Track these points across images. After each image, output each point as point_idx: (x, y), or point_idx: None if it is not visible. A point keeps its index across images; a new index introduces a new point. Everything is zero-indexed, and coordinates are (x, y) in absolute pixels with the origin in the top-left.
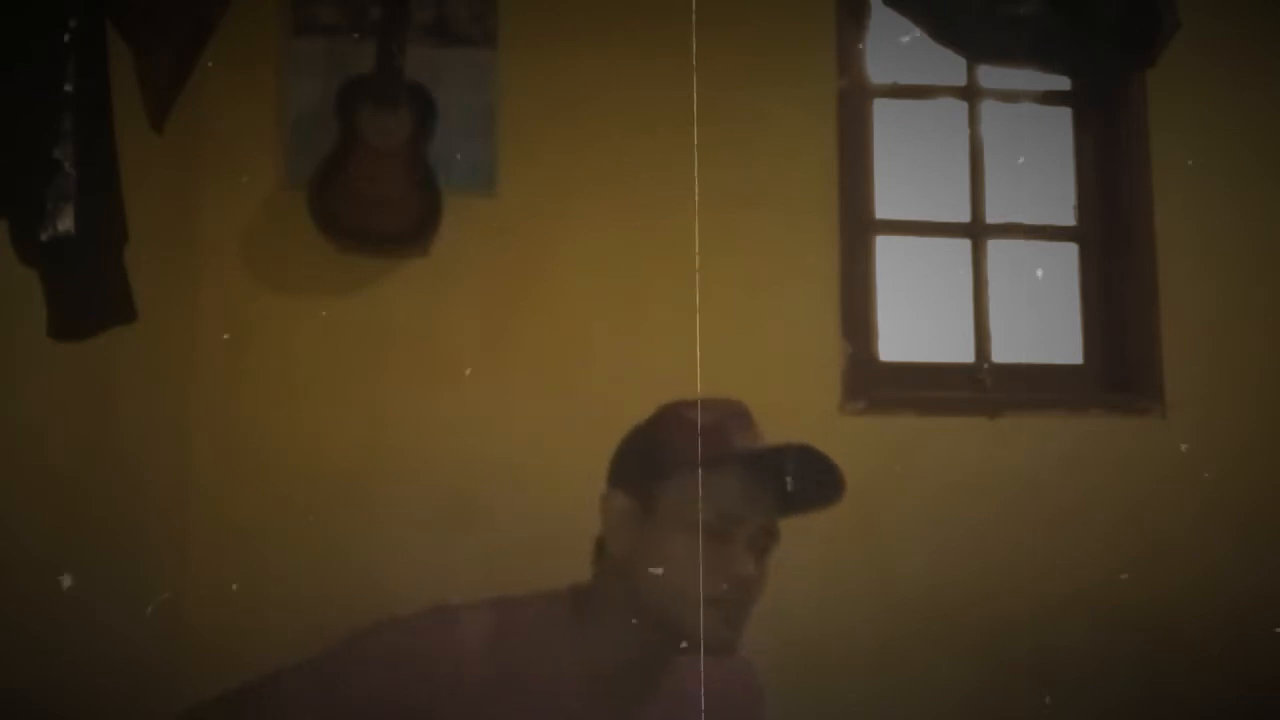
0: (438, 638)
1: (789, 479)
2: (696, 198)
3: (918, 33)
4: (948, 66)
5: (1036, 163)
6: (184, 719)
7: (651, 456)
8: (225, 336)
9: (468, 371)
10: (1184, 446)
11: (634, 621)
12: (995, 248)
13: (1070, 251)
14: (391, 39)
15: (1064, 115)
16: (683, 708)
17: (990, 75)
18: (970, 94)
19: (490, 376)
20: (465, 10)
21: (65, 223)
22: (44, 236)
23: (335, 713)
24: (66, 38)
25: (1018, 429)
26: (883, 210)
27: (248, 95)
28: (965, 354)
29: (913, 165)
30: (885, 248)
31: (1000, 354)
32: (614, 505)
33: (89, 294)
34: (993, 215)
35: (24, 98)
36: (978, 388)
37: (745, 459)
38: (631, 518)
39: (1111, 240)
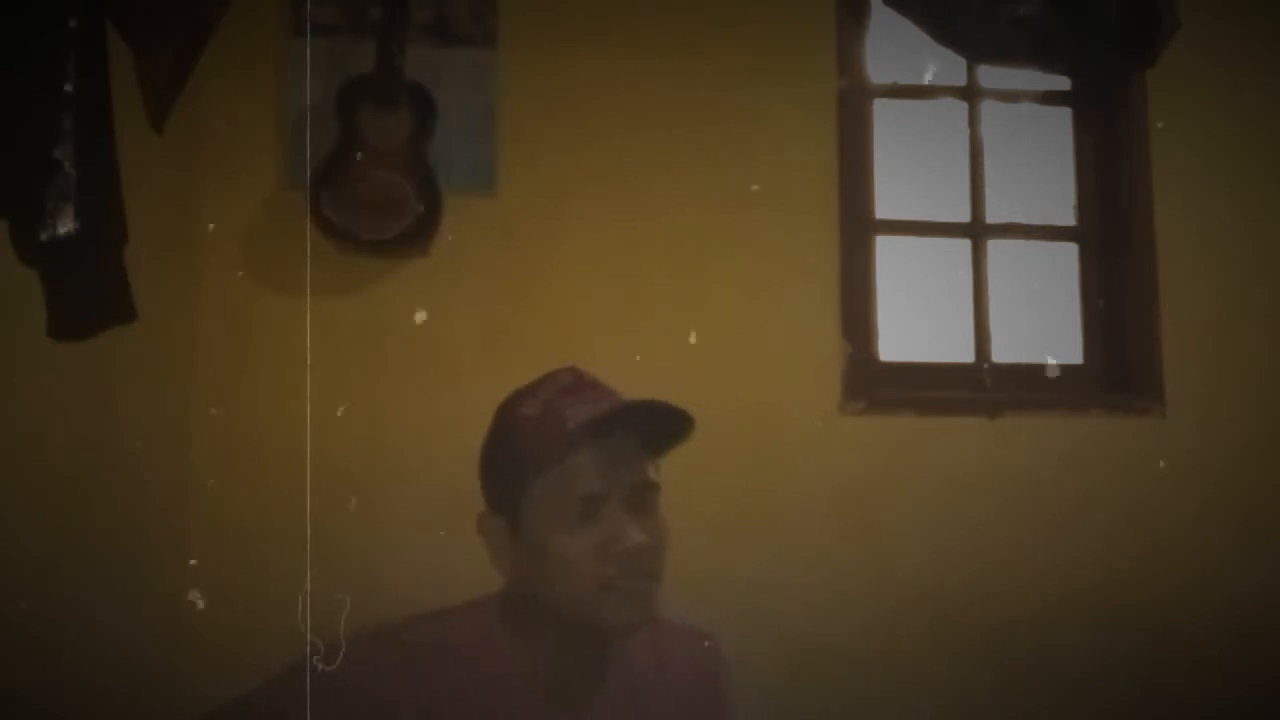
0: (380, 659)
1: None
2: None
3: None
4: (948, 66)
5: (1036, 163)
6: None
7: (502, 470)
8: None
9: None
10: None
11: (555, 623)
12: (995, 248)
13: (1070, 251)
14: (391, 39)
15: (1064, 115)
16: (638, 692)
17: (990, 75)
18: (970, 94)
19: (490, 376)
20: (465, 10)
21: (65, 223)
22: (44, 236)
23: None
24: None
25: (1018, 429)
26: (883, 210)
27: (248, 95)
28: (965, 354)
29: (913, 165)
30: (885, 248)
31: (1000, 354)
32: (487, 527)
33: (89, 294)
34: (993, 215)
35: (24, 98)
36: (978, 388)
37: (579, 435)
38: (504, 535)
39: (1111, 240)
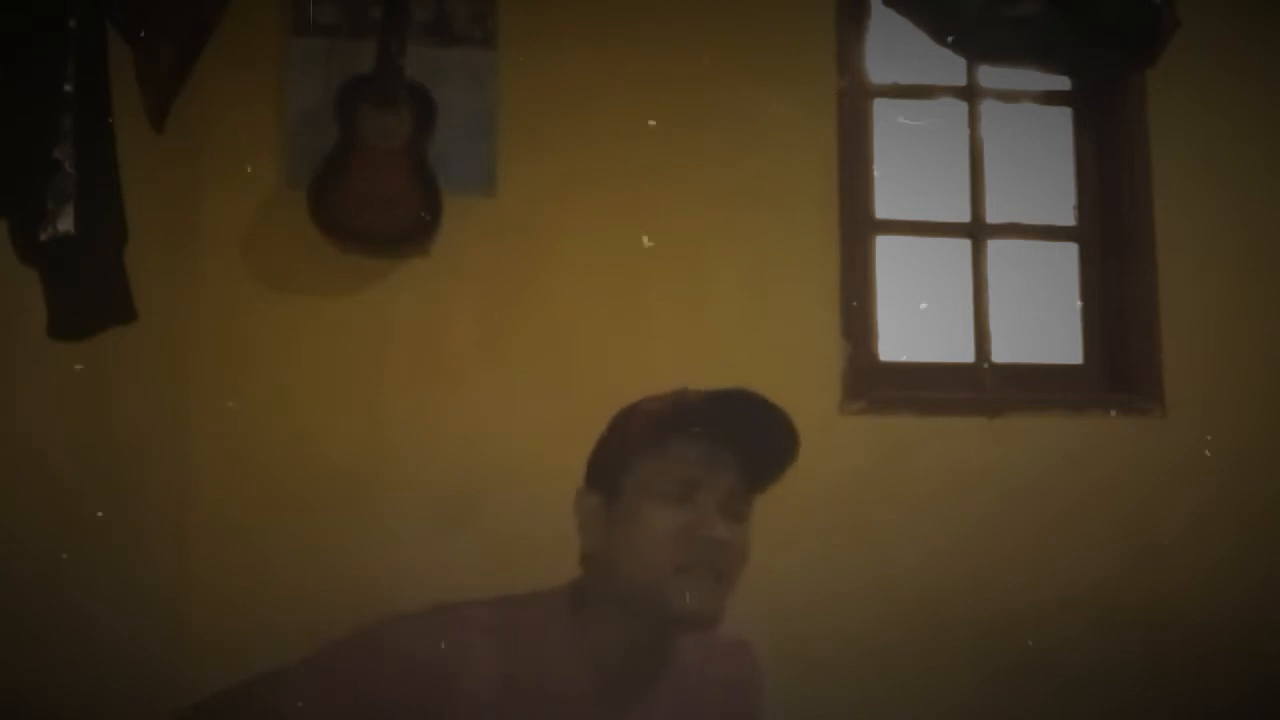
0: (441, 636)
1: (734, 427)
2: None
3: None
4: (948, 66)
5: (1036, 163)
6: (188, 715)
7: (612, 452)
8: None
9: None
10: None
11: (622, 610)
12: (995, 248)
13: (1070, 251)
14: (391, 39)
15: (1064, 115)
16: (684, 694)
17: (990, 75)
18: (970, 94)
19: (490, 376)
20: (465, 10)
21: (65, 223)
22: (44, 236)
23: (338, 710)
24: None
25: (1018, 429)
26: (883, 210)
27: (248, 95)
28: (965, 354)
29: (913, 165)
30: (885, 248)
31: (1000, 354)
32: (584, 503)
33: (89, 294)
34: (993, 215)
35: (24, 98)
36: (978, 388)
37: (691, 410)
38: (599, 511)
39: (1111, 240)
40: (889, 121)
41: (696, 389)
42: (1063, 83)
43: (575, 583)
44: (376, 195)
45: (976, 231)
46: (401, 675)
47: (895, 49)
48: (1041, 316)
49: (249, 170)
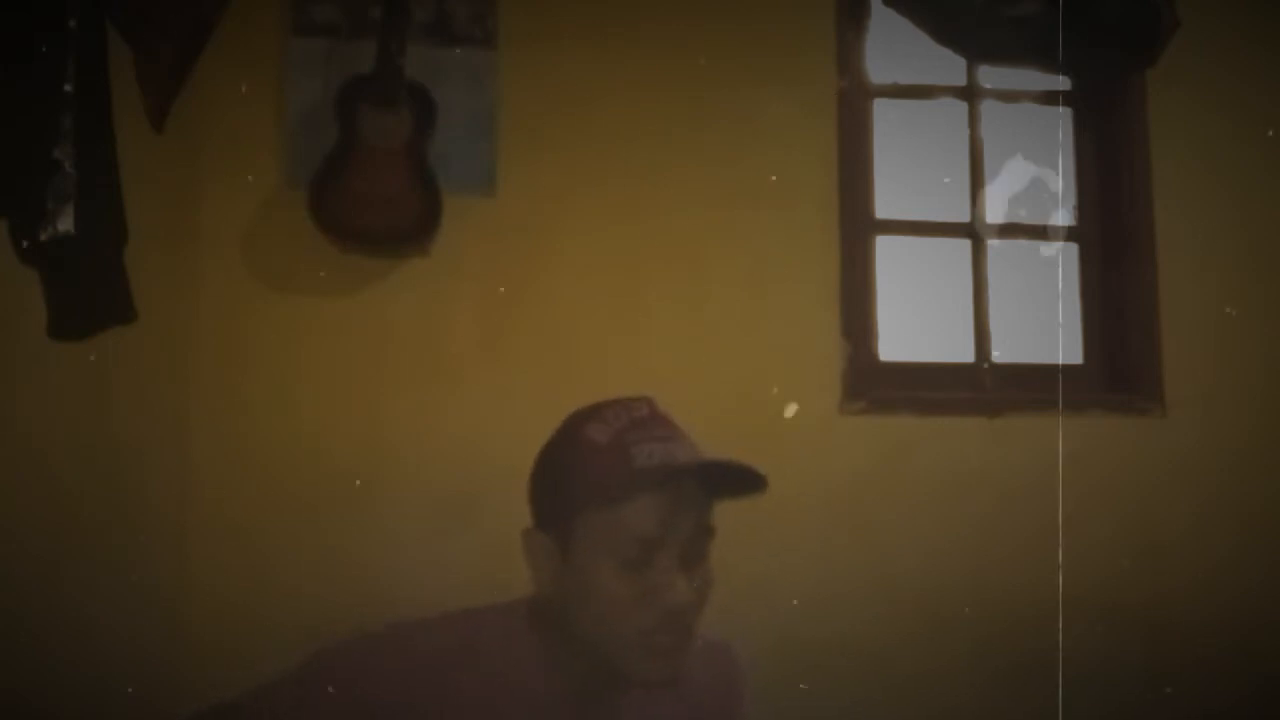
0: (397, 656)
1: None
2: None
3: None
4: (948, 66)
5: (1036, 163)
6: None
7: (558, 489)
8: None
9: None
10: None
11: (581, 645)
12: (995, 248)
13: (1070, 251)
14: (391, 39)
15: (1064, 115)
16: (661, 700)
17: (990, 75)
18: (970, 94)
19: (490, 376)
20: (465, 10)
21: (65, 223)
22: (44, 236)
23: None
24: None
25: (1018, 429)
26: (883, 210)
27: (248, 95)
28: (965, 354)
29: (913, 165)
30: (885, 248)
31: (1000, 354)
32: (531, 542)
33: (89, 294)
34: (993, 215)
35: (24, 98)
36: (978, 388)
37: (646, 479)
38: (551, 555)
39: (1111, 240)
40: (889, 121)
41: (649, 400)
42: (1063, 83)
43: (534, 597)
44: (376, 195)
45: (976, 231)
46: (363, 697)
47: (895, 49)
48: (1041, 316)
49: (249, 170)
